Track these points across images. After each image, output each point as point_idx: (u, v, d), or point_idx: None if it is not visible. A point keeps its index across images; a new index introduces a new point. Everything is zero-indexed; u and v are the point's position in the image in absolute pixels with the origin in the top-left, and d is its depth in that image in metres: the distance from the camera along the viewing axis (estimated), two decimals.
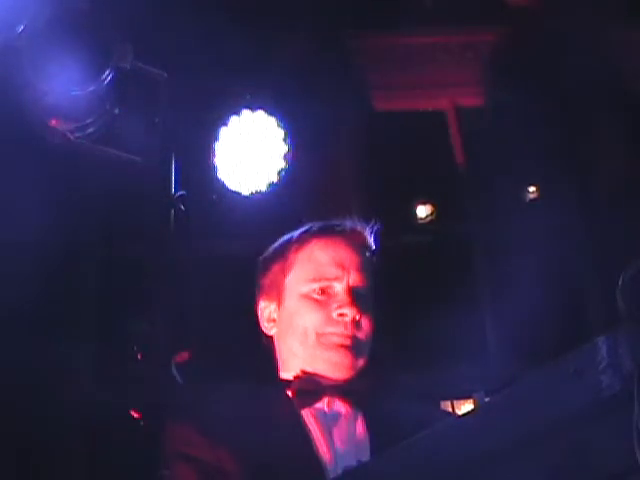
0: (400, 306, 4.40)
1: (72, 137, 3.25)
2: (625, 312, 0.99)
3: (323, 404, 1.80)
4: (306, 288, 1.85)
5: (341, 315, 1.80)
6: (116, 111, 3.30)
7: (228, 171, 3.63)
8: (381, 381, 1.96)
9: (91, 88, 3.12)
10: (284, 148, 3.65)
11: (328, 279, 1.83)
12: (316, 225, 1.94)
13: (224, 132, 3.62)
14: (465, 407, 3.79)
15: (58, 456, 4.00)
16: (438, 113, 5.03)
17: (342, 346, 1.80)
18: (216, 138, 3.62)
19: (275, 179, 3.64)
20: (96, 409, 3.97)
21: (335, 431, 1.77)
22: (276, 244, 1.99)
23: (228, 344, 3.98)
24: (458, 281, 4.54)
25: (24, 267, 3.51)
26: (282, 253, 1.92)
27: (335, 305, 1.81)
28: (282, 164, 3.64)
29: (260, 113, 3.65)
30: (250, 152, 3.63)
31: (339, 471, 1.67)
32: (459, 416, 1.26)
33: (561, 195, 4.73)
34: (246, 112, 3.64)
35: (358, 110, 4.43)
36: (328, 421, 1.78)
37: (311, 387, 1.80)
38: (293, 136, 3.67)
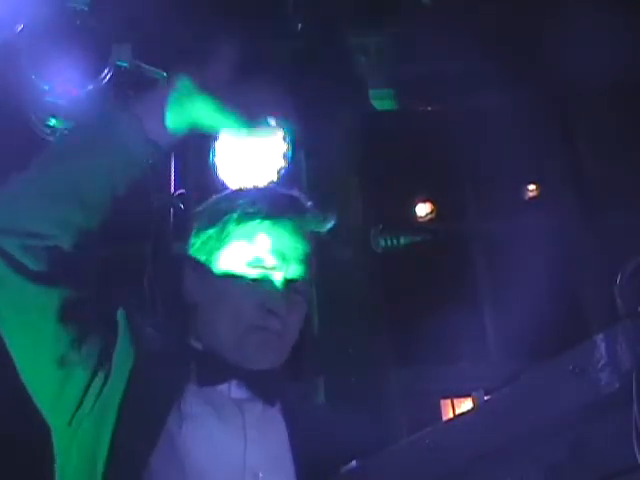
0: (399, 305, 4.40)
1: None
2: (623, 310, 0.99)
3: (228, 387, 1.68)
4: (239, 272, 1.70)
5: (270, 310, 1.67)
6: None
7: (228, 170, 3.63)
8: (298, 376, 1.87)
9: (90, 87, 3.12)
10: (283, 147, 3.65)
11: (265, 268, 1.69)
12: (263, 199, 1.76)
13: (224, 131, 3.62)
14: (464, 405, 3.80)
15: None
16: (438, 111, 5.02)
17: (268, 343, 1.67)
18: (216, 137, 3.62)
19: (275, 178, 3.64)
20: None
21: (246, 411, 1.65)
22: (218, 202, 1.82)
23: None
24: (458, 279, 4.54)
25: None
26: (221, 220, 1.75)
27: (265, 299, 1.68)
28: (282, 163, 3.64)
29: None
30: (250, 151, 3.63)
31: (241, 452, 1.59)
32: (459, 415, 1.26)
33: (561, 193, 4.73)
34: None
35: (358, 109, 4.42)
36: (234, 400, 1.66)
37: (219, 367, 1.68)
38: (293, 135, 3.67)
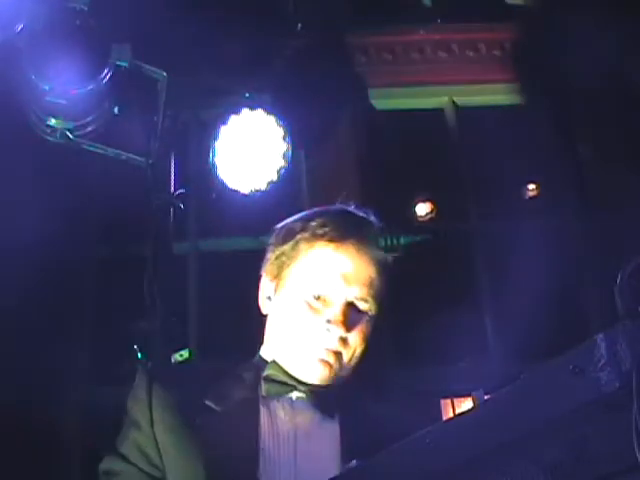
0: (400, 304, 4.40)
1: (71, 136, 3.26)
2: (623, 310, 0.99)
3: (292, 397, 1.76)
4: (304, 291, 1.80)
5: (329, 330, 1.76)
6: (115, 110, 3.31)
7: (228, 170, 3.63)
8: (363, 388, 1.91)
9: (90, 87, 3.12)
10: (283, 146, 3.65)
11: (327, 289, 1.78)
12: (333, 223, 1.85)
13: (224, 131, 3.63)
14: (464, 405, 3.79)
15: (56, 456, 3.99)
16: (438, 111, 5.02)
17: (323, 362, 1.75)
18: (216, 137, 3.62)
19: (275, 177, 3.64)
20: (96, 409, 3.97)
21: (300, 424, 1.73)
22: (295, 221, 1.91)
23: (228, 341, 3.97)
24: (458, 279, 4.54)
25: (24, 267, 3.51)
26: (294, 238, 1.85)
27: (326, 318, 1.76)
28: (282, 162, 3.64)
29: (259, 112, 3.66)
30: (250, 151, 3.63)
31: (293, 469, 1.66)
32: (459, 414, 1.25)
33: (561, 193, 4.74)
34: (245, 111, 3.65)
35: (358, 109, 4.42)
36: (294, 412, 1.74)
37: (283, 378, 1.77)
38: (292, 134, 3.67)
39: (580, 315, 4.35)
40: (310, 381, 1.76)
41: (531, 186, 4.75)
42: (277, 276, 1.86)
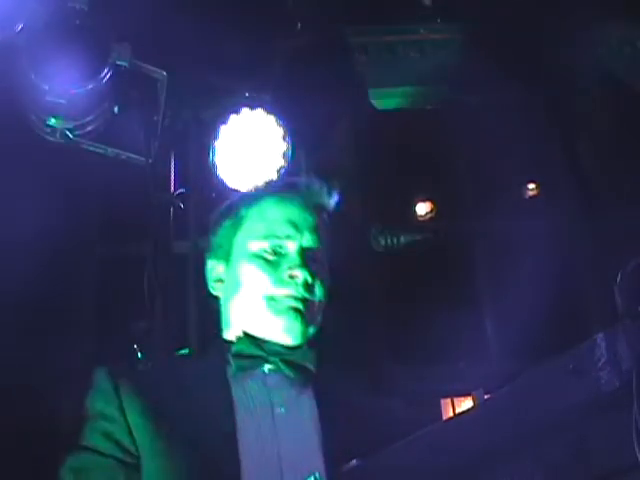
0: (400, 304, 4.40)
1: (71, 135, 3.26)
2: (623, 309, 0.99)
3: (265, 369, 1.71)
4: (256, 246, 1.76)
5: (292, 276, 1.72)
6: (115, 109, 3.31)
7: (228, 169, 3.63)
8: (332, 354, 1.88)
9: (90, 86, 3.12)
10: (283, 146, 3.65)
11: (279, 237, 1.75)
12: (270, 183, 1.93)
13: (224, 130, 3.63)
14: (465, 405, 3.79)
15: (55, 456, 3.99)
16: (438, 110, 5.02)
17: (293, 309, 1.71)
18: (216, 136, 3.62)
19: (274, 177, 3.64)
20: None
21: (276, 399, 1.68)
22: (228, 201, 1.91)
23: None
24: (458, 278, 4.54)
25: (23, 266, 3.51)
26: (233, 209, 1.84)
27: (286, 266, 1.73)
28: (281, 162, 3.64)
29: (259, 111, 3.66)
30: (249, 150, 3.63)
31: (274, 444, 1.62)
32: (459, 414, 1.26)
33: (561, 193, 4.73)
34: (245, 110, 3.65)
35: (358, 108, 4.42)
36: (268, 388, 1.69)
37: (252, 351, 1.71)
38: (292, 134, 3.67)
39: (580, 315, 4.35)
40: (284, 339, 1.71)
41: (531, 186, 4.75)
42: (225, 254, 1.83)
